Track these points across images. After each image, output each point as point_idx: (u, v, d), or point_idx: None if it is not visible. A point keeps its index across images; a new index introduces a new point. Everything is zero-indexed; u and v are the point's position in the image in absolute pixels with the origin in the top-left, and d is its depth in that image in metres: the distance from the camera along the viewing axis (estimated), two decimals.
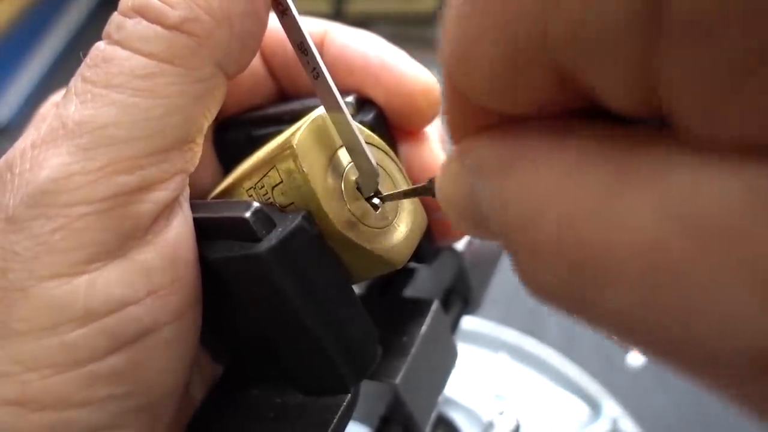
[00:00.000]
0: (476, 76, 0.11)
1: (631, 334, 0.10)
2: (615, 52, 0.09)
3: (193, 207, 0.20)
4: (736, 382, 0.09)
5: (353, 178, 0.20)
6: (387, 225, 0.20)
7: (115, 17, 0.18)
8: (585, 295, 0.10)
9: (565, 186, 0.10)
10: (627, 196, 0.09)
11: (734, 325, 0.08)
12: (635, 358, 0.87)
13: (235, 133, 0.25)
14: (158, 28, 0.17)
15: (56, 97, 0.24)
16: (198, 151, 0.19)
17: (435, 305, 0.23)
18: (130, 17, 0.18)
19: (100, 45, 0.18)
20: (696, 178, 0.08)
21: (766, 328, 0.08)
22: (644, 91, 0.09)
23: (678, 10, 0.08)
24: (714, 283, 0.08)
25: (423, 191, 0.18)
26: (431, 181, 0.17)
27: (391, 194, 0.20)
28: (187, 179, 0.19)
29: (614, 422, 0.64)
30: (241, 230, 0.18)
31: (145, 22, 0.17)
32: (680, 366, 0.10)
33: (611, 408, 0.64)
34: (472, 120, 0.12)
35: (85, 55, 0.18)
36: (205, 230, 0.19)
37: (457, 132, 0.13)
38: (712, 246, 0.08)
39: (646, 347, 0.10)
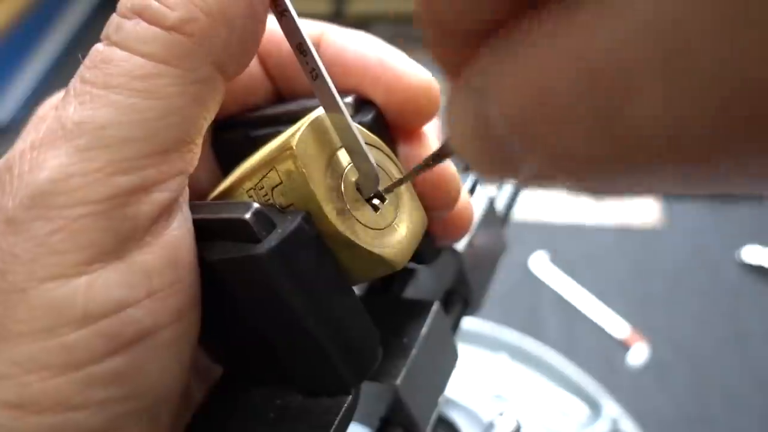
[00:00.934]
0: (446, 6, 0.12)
1: (680, 148, 0.09)
2: None
3: (193, 208, 0.20)
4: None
5: (353, 178, 0.20)
6: (387, 226, 0.20)
7: (114, 18, 0.18)
8: (614, 128, 0.10)
9: (553, 44, 0.10)
10: (612, 7, 0.09)
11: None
12: (635, 358, 0.88)
13: (234, 134, 0.25)
14: (157, 29, 0.17)
15: (54, 98, 0.24)
16: (197, 152, 0.19)
17: (435, 306, 0.23)
18: (128, 18, 0.18)
19: (99, 46, 0.18)
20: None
21: None
22: None
23: None
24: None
25: (426, 164, 0.18)
26: (444, 146, 0.16)
27: (391, 185, 0.20)
28: (187, 180, 0.19)
29: (614, 422, 0.64)
30: (240, 231, 0.18)
31: (143, 23, 0.17)
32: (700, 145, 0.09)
33: (611, 408, 0.64)
34: (459, 50, 0.13)
35: (84, 57, 0.18)
36: (205, 231, 0.19)
37: (450, 67, 0.13)
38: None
39: (692, 151, 0.09)
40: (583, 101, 0.10)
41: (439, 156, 0.17)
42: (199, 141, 0.19)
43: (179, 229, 0.19)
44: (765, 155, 0.09)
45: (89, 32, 1.67)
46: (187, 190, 0.20)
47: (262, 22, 0.19)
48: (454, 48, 0.13)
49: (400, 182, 0.20)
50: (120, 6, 0.18)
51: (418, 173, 0.20)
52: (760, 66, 0.08)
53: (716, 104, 0.09)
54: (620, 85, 0.09)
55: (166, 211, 0.18)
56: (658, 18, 0.09)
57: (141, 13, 0.18)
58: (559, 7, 0.10)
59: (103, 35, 0.18)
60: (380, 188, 0.20)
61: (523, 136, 0.11)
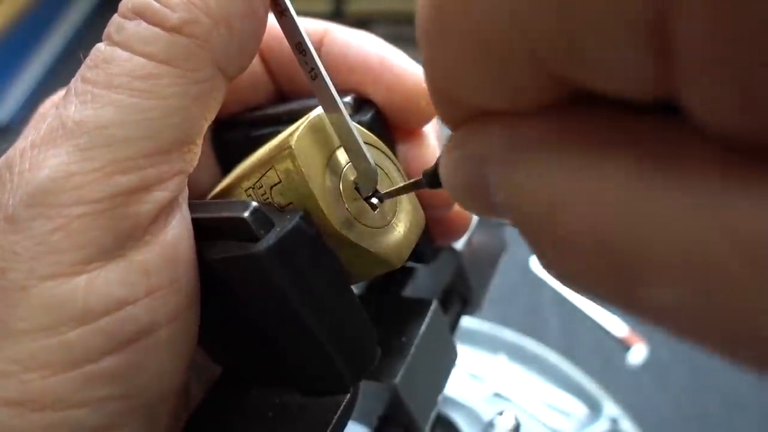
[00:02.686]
0: (461, 82, 0.11)
1: (674, 326, 0.09)
2: (620, 65, 0.08)
3: (192, 207, 0.20)
4: None
5: (351, 178, 0.20)
6: (385, 225, 0.20)
7: (116, 19, 0.18)
8: (620, 287, 0.09)
9: (585, 176, 0.09)
10: (658, 190, 0.09)
11: None
12: (634, 358, 0.88)
13: (234, 134, 0.25)
14: (158, 30, 0.17)
15: (56, 96, 0.24)
16: (197, 152, 0.19)
17: (434, 305, 0.23)
18: (130, 19, 0.18)
19: (100, 46, 0.18)
20: (730, 185, 0.08)
21: None
22: (657, 93, 0.09)
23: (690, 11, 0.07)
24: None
25: (418, 184, 0.18)
26: (425, 174, 0.17)
27: (388, 191, 0.20)
28: (186, 180, 0.19)
29: (614, 422, 0.64)
30: (239, 230, 0.18)
31: (145, 24, 0.18)
32: (717, 349, 0.09)
33: (611, 408, 0.64)
34: (463, 112, 0.12)
35: (85, 56, 0.18)
36: (204, 230, 0.19)
37: (451, 121, 0.13)
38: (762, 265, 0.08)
39: (690, 338, 0.09)
40: (592, 250, 0.10)
41: (421, 184, 0.17)
42: (200, 141, 0.19)
43: (178, 228, 0.19)
44: None
45: (89, 32, 1.67)
46: (186, 189, 0.20)
47: (263, 22, 0.19)
48: (456, 111, 0.12)
49: (391, 195, 0.20)
50: (121, 6, 0.18)
51: (407, 191, 0.20)
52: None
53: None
54: (632, 264, 0.09)
55: (166, 211, 0.18)
56: (690, 248, 0.08)
57: (142, 14, 0.18)
58: (601, 142, 0.10)
59: (104, 35, 0.18)
60: (379, 191, 0.20)
61: (524, 233, 0.11)
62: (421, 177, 0.17)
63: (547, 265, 0.11)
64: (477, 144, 0.12)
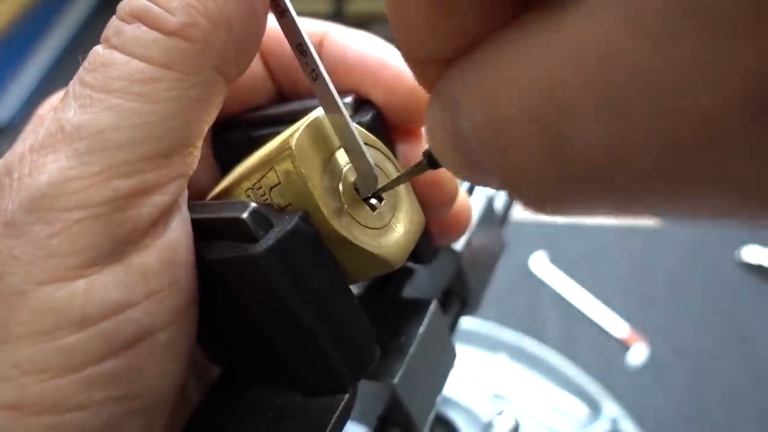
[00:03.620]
0: (415, 32, 0.13)
1: (620, 174, 0.10)
2: None
3: (191, 208, 0.20)
4: (729, 146, 0.08)
5: (351, 179, 0.20)
6: (384, 225, 0.20)
7: (114, 22, 0.18)
8: (565, 157, 0.10)
9: (509, 62, 0.11)
10: (561, 30, 0.10)
11: (712, 77, 0.08)
12: (635, 358, 0.88)
13: (234, 134, 0.25)
14: (157, 34, 0.17)
15: (54, 98, 0.24)
16: (197, 155, 0.19)
17: (433, 305, 0.23)
18: (128, 22, 0.18)
19: (98, 49, 0.18)
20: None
21: (749, 62, 0.08)
22: None
23: None
24: (676, 42, 0.08)
25: (419, 167, 0.18)
26: (425, 153, 0.17)
27: (390, 182, 0.20)
28: (186, 183, 0.19)
29: (614, 422, 0.64)
30: (238, 231, 0.18)
31: (144, 28, 0.17)
32: (672, 181, 0.09)
33: (611, 408, 0.64)
34: (433, 69, 0.13)
35: (83, 59, 0.18)
36: (203, 231, 0.19)
37: (426, 83, 0.14)
38: (664, 32, 0.08)
39: (642, 186, 0.10)
40: (531, 119, 0.10)
41: (428, 165, 0.18)
42: (200, 144, 0.19)
43: (177, 231, 0.19)
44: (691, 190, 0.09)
45: (89, 33, 1.67)
46: (186, 191, 0.20)
47: (262, 24, 0.19)
48: (428, 68, 0.14)
49: (389, 187, 0.20)
50: (119, 9, 0.18)
51: (406, 180, 0.20)
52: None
53: (652, 138, 0.09)
54: (562, 110, 0.10)
55: (165, 214, 0.18)
56: (599, 58, 0.09)
57: (141, 17, 0.17)
58: (516, 30, 0.11)
59: (102, 38, 0.18)
60: (378, 192, 0.20)
61: (485, 149, 0.12)
62: (422, 159, 0.17)
63: (507, 180, 0.12)
64: (444, 89, 0.13)
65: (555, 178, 0.11)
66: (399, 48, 0.14)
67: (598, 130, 0.09)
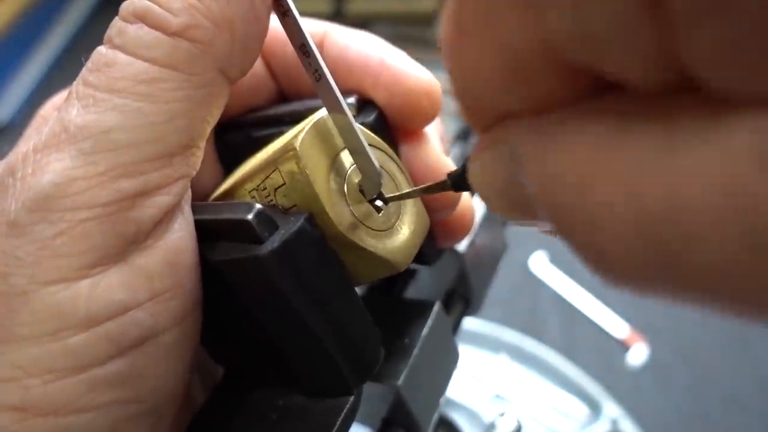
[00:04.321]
0: (483, 89, 0.12)
1: (735, 289, 0.09)
2: (628, 38, 0.09)
3: (195, 209, 0.20)
4: None
5: (356, 180, 0.20)
6: (389, 227, 0.20)
7: (117, 22, 0.18)
8: (667, 260, 0.09)
9: (612, 152, 0.10)
10: (685, 149, 0.09)
11: None
12: (635, 358, 0.88)
13: (236, 135, 0.25)
14: (160, 35, 0.17)
15: (57, 98, 0.24)
16: (200, 156, 0.19)
17: (436, 307, 0.23)
18: (131, 23, 0.18)
19: (101, 49, 0.18)
20: (758, 122, 0.08)
21: None
22: (665, 65, 0.09)
23: None
24: None
25: (443, 187, 0.17)
26: (451, 176, 0.17)
27: (404, 194, 0.20)
28: (189, 183, 0.19)
29: (614, 423, 0.64)
30: (243, 232, 0.18)
31: (147, 28, 0.17)
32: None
33: (611, 408, 0.64)
34: (490, 117, 0.13)
35: (86, 60, 0.18)
36: (207, 232, 0.19)
37: (479, 126, 0.13)
38: None
39: (743, 303, 0.09)
40: (638, 228, 0.10)
41: (447, 188, 0.17)
42: (203, 144, 0.19)
43: (181, 231, 0.19)
44: None
45: (89, 33, 1.66)
46: (189, 192, 0.19)
47: (265, 25, 0.19)
48: (483, 115, 0.13)
49: (402, 197, 0.20)
50: (122, 10, 0.18)
51: (419, 194, 0.20)
52: None
53: None
54: (679, 230, 0.09)
55: (169, 214, 0.18)
56: (728, 191, 0.09)
57: (144, 18, 0.17)
58: (621, 119, 0.10)
59: (105, 39, 0.18)
60: (383, 193, 0.20)
61: (556, 223, 0.11)
62: (445, 179, 0.17)
63: (590, 259, 0.11)
64: (507, 142, 0.12)
65: (650, 273, 0.10)
66: (453, 89, 0.13)
67: (717, 253, 0.09)
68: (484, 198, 0.14)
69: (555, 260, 1.01)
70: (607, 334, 0.90)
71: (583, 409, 0.66)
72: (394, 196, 0.20)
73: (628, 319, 0.91)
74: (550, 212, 0.11)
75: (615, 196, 0.10)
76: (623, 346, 0.89)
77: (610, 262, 0.10)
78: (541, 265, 0.99)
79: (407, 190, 0.20)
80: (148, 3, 0.18)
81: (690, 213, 0.09)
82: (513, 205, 0.13)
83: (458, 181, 0.17)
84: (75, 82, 0.18)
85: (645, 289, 0.10)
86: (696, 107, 0.09)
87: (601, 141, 0.10)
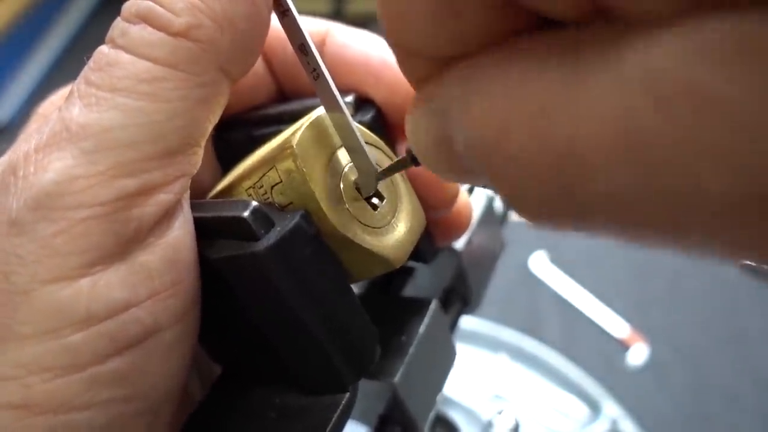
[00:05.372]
0: (415, 29, 0.12)
1: (627, 217, 0.10)
2: None
3: (192, 206, 0.20)
4: (735, 229, 0.09)
5: (352, 178, 0.20)
6: (386, 224, 0.20)
7: (119, 23, 0.18)
8: (574, 194, 0.10)
9: (522, 91, 0.10)
10: (586, 83, 0.09)
11: (726, 165, 0.08)
12: (635, 358, 0.88)
13: (235, 133, 0.25)
14: (163, 35, 0.17)
15: (56, 96, 0.24)
16: (200, 154, 0.19)
17: (434, 305, 0.23)
18: (133, 23, 0.18)
19: (103, 49, 0.18)
20: (648, 50, 0.09)
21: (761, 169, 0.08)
22: None
23: None
24: (699, 139, 0.08)
25: (401, 165, 0.18)
26: (408, 151, 0.17)
27: (380, 172, 0.20)
28: (189, 181, 0.19)
29: (614, 422, 0.64)
30: (239, 229, 0.18)
31: (149, 29, 0.17)
32: (671, 233, 0.10)
33: (611, 408, 0.65)
34: (424, 67, 0.13)
35: (88, 59, 0.18)
36: (204, 229, 0.19)
37: (414, 78, 0.14)
38: (682, 107, 0.08)
39: (645, 227, 0.10)
40: (544, 155, 0.10)
41: (410, 162, 0.18)
42: (203, 143, 0.19)
43: (180, 230, 0.19)
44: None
45: (89, 33, 1.67)
46: (189, 190, 0.20)
47: (266, 24, 0.19)
48: (416, 61, 0.13)
49: (379, 178, 0.20)
50: (124, 10, 0.18)
51: (390, 174, 0.20)
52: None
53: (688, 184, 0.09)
54: (579, 157, 0.10)
55: (169, 213, 0.18)
56: (621, 123, 0.09)
57: (146, 18, 0.18)
58: (530, 54, 0.11)
59: (107, 38, 0.18)
60: (380, 191, 0.20)
61: (483, 165, 0.12)
62: (405, 156, 0.17)
63: (513, 201, 0.11)
64: (436, 95, 0.13)
65: (558, 205, 0.11)
66: (387, 36, 0.13)
67: (612, 182, 0.09)
68: (419, 155, 0.14)
69: (555, 260, 1.01)
70: (607, 334, 0.90)
71: (582, 409, 0.66)
72: (382, 170, 0.19)
73: (628, 319, 0.91)
74: (477, 162, 0.12)
75: (528, 138, 0.10)
76: (623, 346, 0.89)
77: (526, 199, 0.11)
78: (541, 264, 0.99)
79: (373, 174, 0.19)
80: (151, 3, 0.18)
81: (588, 147, 0.09)
82: (446, 161, 0.13)
83: (413, 156, 0.17)
84: (76, 81, 0.18)
85: (558, 223, 0.11)
86: (602, 35, 0.10)
87: (516, 80, 0.11)
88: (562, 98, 0.10)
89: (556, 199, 0.10)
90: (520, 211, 0.12)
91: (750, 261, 0.10)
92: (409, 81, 0.14)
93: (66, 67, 1.59)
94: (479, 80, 0.11)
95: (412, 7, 0.12)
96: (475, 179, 0.13)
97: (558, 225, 0.11)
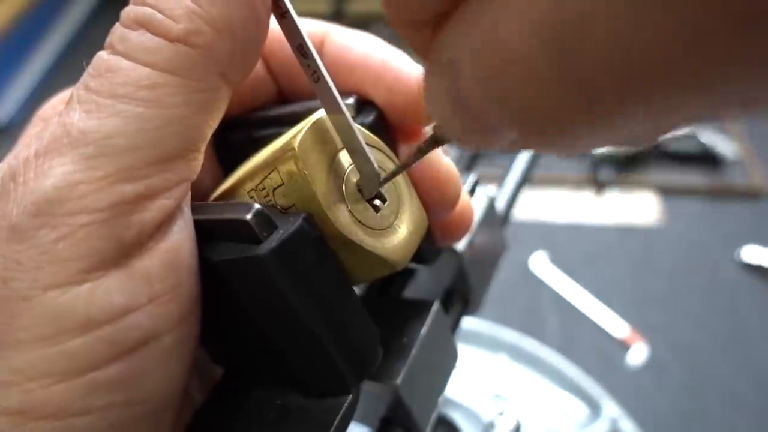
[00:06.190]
0: None
1: (628, 65, 0.10)
2: None
3: (194, 209, 0.20)
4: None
5: (354, 179, 0.20)
6: (388, 226, 0.20)
7: (118, 29, 0.18)
8: (574, 72, 0.10)
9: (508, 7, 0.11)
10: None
11: None
12: (635, 358, 0.88)
13: (236, 135, 0.25)
14: (162, 41, 0.17)
15: (55, 100, 0.24)
16: (200, 159, 0.19)
17: (435, 306, 0.23)
18: (133, 29, 0.18)
19: (103, 55, 0.18)
20: None
21: None
22: None
23: None
24: None
25: (423, 149, 0.18)
26: (428, 134, 0.17)
27: (393, 170, 0.20)
28: (189, 186, 0.19)
29: (614, 422, 0.64)
30: (242, 232, 0.18)
31: (148, 35, 0.17)
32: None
33: (611, 408, 0.65)
34: (425, 34, 0.14)
35: (87, 64, 0.18)
36: (206, 232, 0.19)
37: (417, 44, 0.14)
38: None
39: (649, 72, 0.10)
40: (540, 51, 0.10)
41: (433, 142, 0.18)
42: (203, 148, 0.19)
43: (180, 235, 0.19)
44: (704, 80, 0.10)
45: (89, 33, 1.67)
46: (189, 194, 0.20)
47: (265, 28, 0.19)
48: (419, 34, 0.14)
49: (396, 172, 0.20)
50: (123, 16, 0.18)
51: (413, 162, 0.20)
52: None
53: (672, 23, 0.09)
54: (571, 30, 0.10)
55: (169, 218, 0.18)
56: None
57: (145, 24, 0.18)
58: None
59: (106, 44, 0.18)
60: (381, 193, 0.20)
61: (494, 99, 0.12)
62: (424, 139, 0.18)
63: (520, 118, 0.12)
64: (439, 50, 0.13)
65: (570, 100, 0.11)
66: (386, 11, 0.14)
67: (610, 37, 0.09)
68: (441, 121, 0.15)
69: (555, 260, 1.01)
70: (607, 334, 0.90)
71: (582, 409, 0.66)
72: (385, 176, 0.20)
73: (627, 319, 0.91)
74: (483, 96, 0.12)
75: (520, 33, 0.11)
76: (623, 346, 0.89)
77: (541, 106, 0.11)
78: (541, 264, 0.99)
79: (396, 166, 0.20)
80: (150, 9, 0.18)
81: (572, 4, 0.10)
82: (466, 117, 0.13)
83: (435, 136, 0.17)
84: (76, 87, 0.18)
85: (574, 125, 0.11)
86: None
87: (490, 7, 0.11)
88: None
89: (565, 86, 0.11)
90: (537, 134, 0.12)
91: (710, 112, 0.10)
92: (416, 51, 0.15)
93: (66, 67, 1.59)
94: (466, 16, 0.12)
95: None
96: (493, 135, 0.13)
97: (577, 128, 0.11)
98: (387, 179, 0.20)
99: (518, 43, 0.11)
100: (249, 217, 0.18)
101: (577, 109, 0.11)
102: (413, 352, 0.22)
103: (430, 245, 0.24)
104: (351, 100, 0.22)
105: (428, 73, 0.14)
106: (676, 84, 0.10)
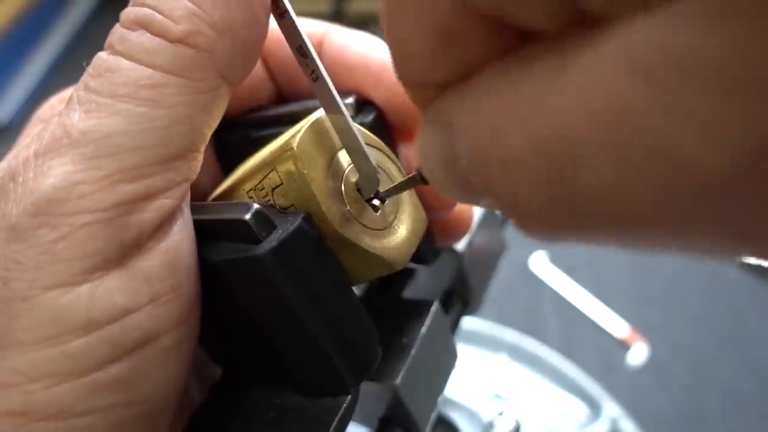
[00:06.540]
0: (419, 64, 0.13)
1: (624, 212, 0.10)
2: None
3: (193, 209, 0.20)
4: (724, 203, 0.09)
5: (353, 179, 0.20)
6: (387, 226, 0.20)
7: (118, 29, 0.18)
8: (572, 191, 0.10)
9: (512, 96, 0.11)
10: (569, 75, 0.10)
11: (713, 134, 0.08)
12: (635, 358, 0.88)
13: (235, 135, 0.25)
14: (162, 41, 0.17)
15: (54, 100, 0.24)
16: (200, 159, 0.19)
17: (435, 306, 0.23)
18: (133, 30, 0.18)
19: (102, 55, 0.18)
20: (625, 30, 0.09)
21: (746, 129, 0.08)
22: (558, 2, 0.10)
23: None
24: (683, 106, 0.08)
25: (414, 180, 0.18)
26: (418, 168, 0.17)
27: (387, 190, 0.20)
28: (189, 187, 0.19)
29: (614, 422, 0.64)
30: (241, 232, 0.18)
31: (149, 35, 0.17)
32: (668, 223, 0.10)
33: (611, 408, 0.64)
34: (429, 93, 0.14)
35: (87, 65, 0.18)
36: (205, 232, 0.19)
37: (420, 102, 0.14)
38: (664, 74, 0.08)
39: (642, 221, 0.10)
40: (538, 154, 0.10)
41: (415, 181, 0.18)
42: (203, 148, 0.19)
43: (180, 235, 0.19)
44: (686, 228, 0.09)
45: (89, 33, 1.67)
46: (189, 194, 0.20)
47: (265, 28, 0.19)
48: (424, 92, 0.14)
49: (381, 198, 0.20)
50: (123, 17, 0.18)
51: (394, 194, 0.20)
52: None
53: (658, 181, 0.09)
54: (569, 151, 0.10)
55: (169, 218, 0.18)
56: (606, 108, 0.09)
57: (145, 25, 0.18)
58: (519, 63, 0.11)
59: (106, 45, 0.18)
60: (380, 192, 0.20)
61: (480, 176, 0.12)
62: (416, 173, 0.18)
63: (514, 214, 0.12)
64: (441, 110, 0.13)
65: (556, 211, 0.11)
66: (396, 71, 0.14)
67: (604, 174, 0.09)
68: (429, 175, 0.14)
69: (555, 260, 1.01)
70: (607, 333, 0.90)
71: (582, 409, 0.66)
72: (381, 193, 0.20)
73: (627, 319, 0.91)
74: (474, 169, 0.12)
75: (520, 138, 0.10)
76: (623, 346, 0.89)
77: (525, 207, 0.11)
78: (541, 264, 0.99)
79: (389, 188, 0.20)
80: (150, 10, 0.18)
81: (578, 137, 0.09)
82: (454, 179, 0.13)
83: (418, 177, 0.17)
84: (75, 87, 0.18)
85: (559, 230, 0.11)
86: (584, 36, 0.10)
87: (506, 85, 0.11)
88: (548, 94, 0.10)
89: (555, 202, 0.10)
90: (521, 223, 0.12)
91: (739, 251, 0.10)
92: (419, 108, 0.15)
93: (66, 67, 1.59)
94: (475, 92, 0.12)
95: (410, 41, 0.12)
96: (480, 198, 0.13)
97: (560, 233, 0.11)
98: (384, 195, 0.20)
99: (517, 145, 0.11)
100: (248, 217, 0.18)
101: (566, 224, 0.11)
102: (413, 352, 0.22)
103: (429, 245, 0.24)
104: (350, 100, 0.22)
105: (424, 125, 0.14)
106: (657, 231, 0.10)
